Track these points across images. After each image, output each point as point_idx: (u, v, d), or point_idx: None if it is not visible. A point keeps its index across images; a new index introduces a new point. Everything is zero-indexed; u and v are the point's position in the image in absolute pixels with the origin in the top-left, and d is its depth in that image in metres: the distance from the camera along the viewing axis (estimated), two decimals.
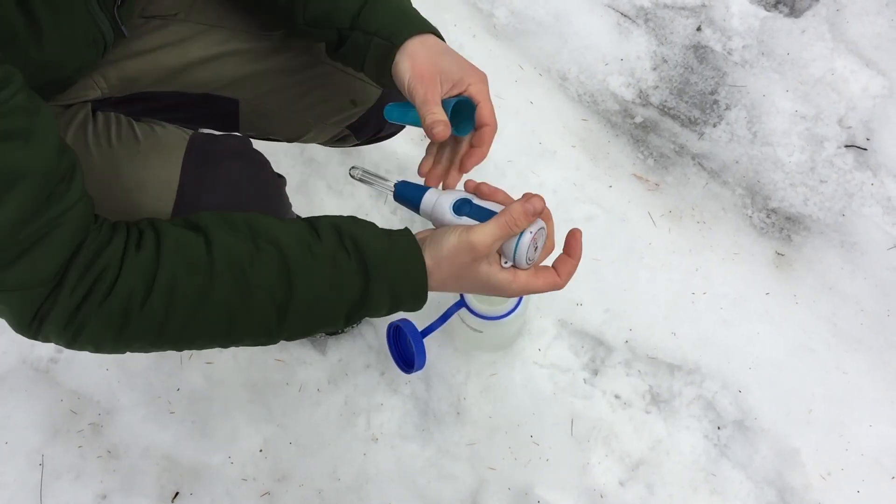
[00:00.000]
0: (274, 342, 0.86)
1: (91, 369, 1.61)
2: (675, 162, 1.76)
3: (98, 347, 0.80)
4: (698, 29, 1.87)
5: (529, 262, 0.87)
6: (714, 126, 1.79)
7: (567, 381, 1.57)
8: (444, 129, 0.87)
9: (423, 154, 0.99)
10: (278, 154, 1.75)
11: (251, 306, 0.81)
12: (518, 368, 1.58)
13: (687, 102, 1.81)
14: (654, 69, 1.84)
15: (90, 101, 1.05)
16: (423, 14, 1.00)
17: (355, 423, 1.57)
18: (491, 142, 0.94)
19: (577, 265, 0.89)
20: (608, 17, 1.89)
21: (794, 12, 1.88)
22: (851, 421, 1.54)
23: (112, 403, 1.60)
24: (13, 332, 0.79)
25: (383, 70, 0.94)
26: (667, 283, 1.64)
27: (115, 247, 0.76)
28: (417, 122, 0.91)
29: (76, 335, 0.77)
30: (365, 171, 0.96)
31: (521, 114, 1.78)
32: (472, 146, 0.94)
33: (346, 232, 0.83)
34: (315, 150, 1.76)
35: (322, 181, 1.75)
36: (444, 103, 0.90)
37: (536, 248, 0.87)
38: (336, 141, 1.26)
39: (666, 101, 1.82)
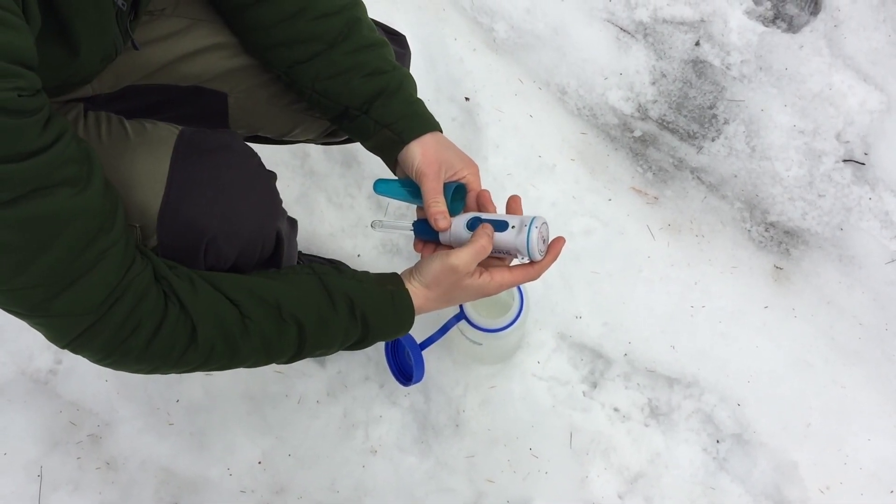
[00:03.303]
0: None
1: (90, 381, 1.61)
2: (674, 176, 1.77)
3: (133, 372, 0.91)
4: (697, 44, 1.88)
5: (542, 253, 1.02)
6: (713, 140, 1.80)
7: (566, 394, 1.57)
8: (444, 221, 1.03)
9: None
10: (279, 166, 1.75)
11: (270, 360, 0.98)
12: (517, 381, 1.58)
13: (686, 117, 1.82)
14: (653, 83, 1.85)
15: (81, 99, 1.06)
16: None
17: (354, 435, 1.57)
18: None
19: (550, 263, 1.03)
20: (607, 32, 1.90)
21: (792, 28, 1.89)
22: (850, 434, 1.54)
23: (111, 415, 1.60)
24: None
25: (386, 153, 1.09)
26: (665, 297, 1.65)
27: (158, 294, 0.87)
28: (406, 199, 1.10)
29: (111, 363, 0.87)
30: (385, 223, 1.15)
31: (520, 127, 1.79)
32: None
33: (357, 306, 0.98)
34: (315, 162, 1.77)
35: (322, 193, 1.75)
36: (445, 186, 1.06)
37: (544, 239, 1.02)
38: (326, 136, 1.28)
39: (665, 115, 1.83)
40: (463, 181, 1.09)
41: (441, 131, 1.10)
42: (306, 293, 0.97)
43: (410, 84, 1.10)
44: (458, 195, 1.09)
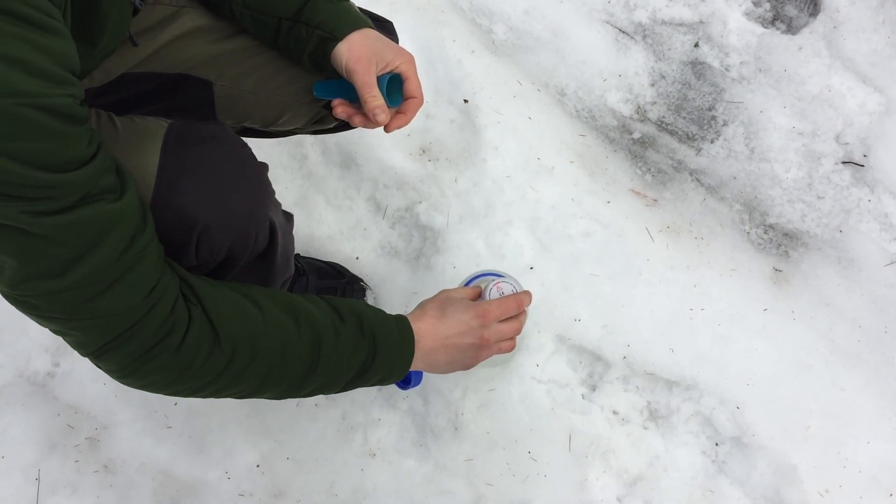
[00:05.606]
0: (281, 399, 1.02)
1: (88, 384, 1.60)
2: (673, 178, 1.77)
3: (148, 385, 0.90)
4: (696, 45, 1.88)
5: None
6: (712, 142, 1.79)
7: (565, 397, 1.57)
8: (383, 114, 1.04)
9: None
10: (277, 168, 1.75)
11: (284, 374, 0.96)
12: (516, 384, 1.58)
13: (685, 118, 1.82)
14: (652, 85, 1.85)
15: None
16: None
17: (352, 438, 1.56)
18: (415, 112, 1.11)
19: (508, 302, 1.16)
20: (606, 33, 1.90)
21: (792, 29, 1.89)
22: (849, 437, 1.54)
23: (109, 418, 1.60)
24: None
25: (321, 58, 1.09)
26: (664, 299, 1.64)
27: (183, 299, 0.88)
28: (347, 97, 1.09)
29: (133, 370, 0.87)
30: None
31: (519, 129, 1.79)
32: (398, 112, 1.10)
33: (365, 320, 1.02)
34: (314, 164, 1.77)
35: (321, 195, 1.75)
36: (379, 79, 1.05)
37: (502, 293, 1.20)
38: (314, 123, 1.28)
39: (664, 116, 1.82)
40: (396, 70, 1.09)
41: (373, 28, 1.11)
42: (315, 304, 1.00)
43: None
44: (394, 86, 1.09)
